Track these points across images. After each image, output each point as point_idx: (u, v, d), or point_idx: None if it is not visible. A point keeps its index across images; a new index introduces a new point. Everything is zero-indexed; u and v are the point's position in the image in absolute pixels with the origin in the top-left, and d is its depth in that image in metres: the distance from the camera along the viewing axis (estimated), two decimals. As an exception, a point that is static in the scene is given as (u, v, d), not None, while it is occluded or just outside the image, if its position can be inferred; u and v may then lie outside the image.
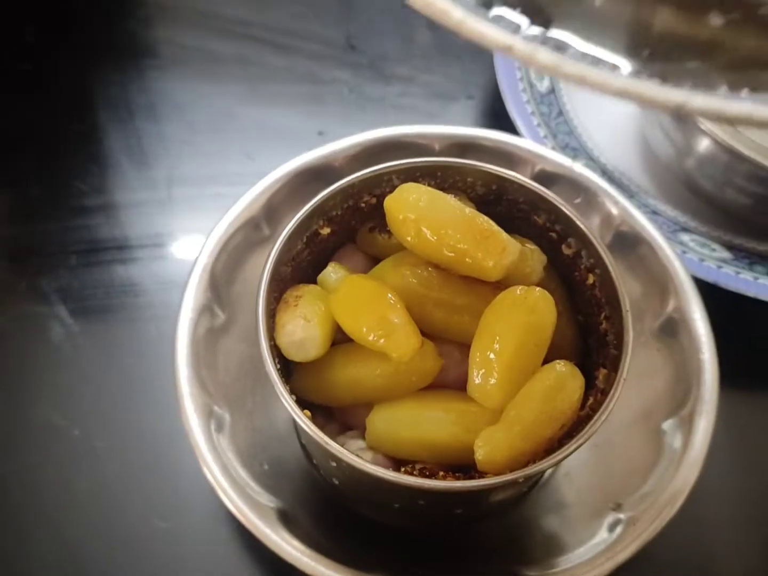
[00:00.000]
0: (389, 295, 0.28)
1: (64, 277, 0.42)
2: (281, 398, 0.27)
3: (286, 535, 0.31)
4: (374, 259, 0.33)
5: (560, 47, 0.16)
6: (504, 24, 0.16)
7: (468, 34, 0.14)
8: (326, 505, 0.33)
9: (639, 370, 0.31)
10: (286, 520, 0.31)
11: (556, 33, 0.16)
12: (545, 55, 0.14)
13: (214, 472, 0.31)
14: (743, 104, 0.13)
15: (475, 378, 0.27)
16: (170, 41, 0.48)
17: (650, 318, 0.36)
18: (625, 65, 0.16)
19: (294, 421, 0.34)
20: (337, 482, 0.32)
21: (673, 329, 0.35)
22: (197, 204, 0.44)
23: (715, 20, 0.17)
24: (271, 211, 0.37)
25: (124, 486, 0.36)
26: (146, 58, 0.48)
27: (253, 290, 0.30)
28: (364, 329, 0.27)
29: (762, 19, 0.17)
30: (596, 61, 0.15)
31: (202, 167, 0.45)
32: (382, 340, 0.27)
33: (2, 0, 0.49)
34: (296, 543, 0.30)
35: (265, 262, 0.29)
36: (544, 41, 0.16)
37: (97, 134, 0.46)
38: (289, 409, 0.27)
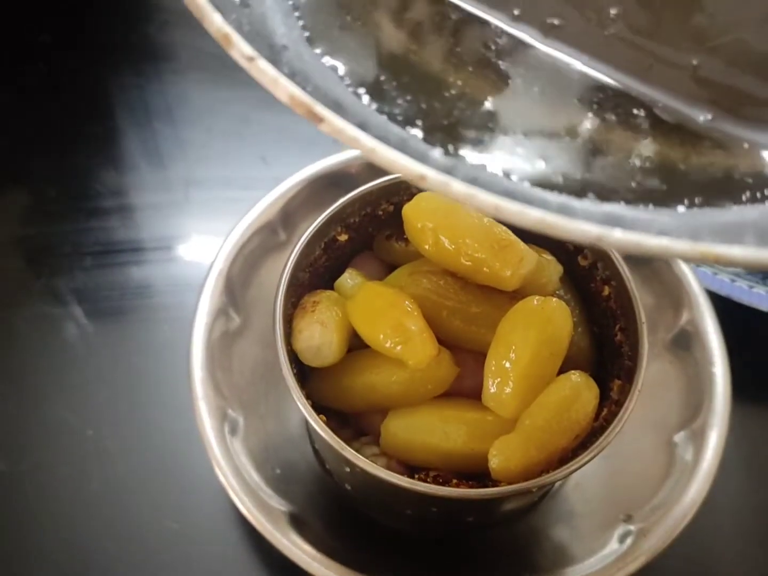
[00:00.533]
0: (406, 303, 0.28)
1: (79, 277, 0.42)
2: (298, 403, 0.27)
3: (297, 539, 0.31)
4: (390, 266, 0.33)
5: (469, 173, 0.16)
6: (414, 147, 0.16)
7: (380, 162, 0.14)
8: (337, 510, 0.34)
9: (651, 382, 0.31)
10: (298, 524, 0.31)
11: (464, 152, 0.17)
12: (458, 186, 0.14)
13: (227, 475, 0.31)
14: (661, 240, 0.13)
15: (491, 387, 0.27)
16: (189, 46, 0.49)
17: (663, 330, 0.36)
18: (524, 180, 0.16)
19: (307, 426, 0.35)
20: (349, 487, 0.32)
21: (686, 342, 0.35)
22: (212, 207, 0.44)
23: (591, 123, 0.18)
24: (288, 216, 0.38)
25: (136, 486, 0.36)
26: (165, 62, 0.48)
27: (268, 294, 0.30)
28: (381, 336, 0.27)
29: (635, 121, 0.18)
30: (509, 191, 0.15)
31: (218, 171, 0.45)
32: (398, 347, 0.27)
33: (20, 2, 0.50)
34: (307, 547, 0.31)
35: (284, 268, 0.30)
36: (456, 165, 0.16)
37: (114, 136, 0.46)
38: (306, 414, 0.27)
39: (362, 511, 0.33)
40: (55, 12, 0.50)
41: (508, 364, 0.27)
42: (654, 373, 0.34)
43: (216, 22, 0.14)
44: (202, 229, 0.44)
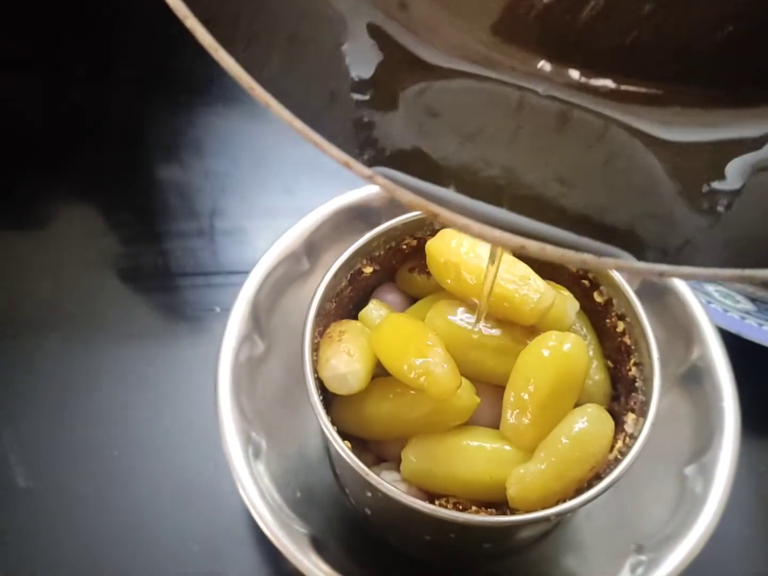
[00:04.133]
0: (430, 335, 0.29)
1: (107, 300, 0.43)
2: (325, 430, 0.28)
3: (318, 561, 0.32)
4: (411, 298, 0.34)
5: None
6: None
7: (487, 240, 0.15)
8: (356, 534, 0.34)
9: (663, 415, 0.32)
10: (318, 546, 0.32)
11: None
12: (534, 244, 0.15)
13: (251, 497, 0.32)
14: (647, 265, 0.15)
15: (509, 417, 0.29)
16: (219, 80, 0.51)
17: (675, 364, 0.37)
18: None
19: (327, 451, 0.36)
20: (369, 512, 0.33)
21: (697, 377, 0.36)
22: (237, 236, 0.45)
23: None
24: (312, 246, 0.39)
25: (160, 508, 0.37)
26: (196, 95, 0.50)
27: (291, 321, 0.31)
28: (405, 367, 0.28)
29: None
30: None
31: (243, 201, 0.47)
32: (422, 378, 0.28)
33: (54, 34, 0.52)
34: (327, 569, 0.32)
35: (312, 298, 0.31)
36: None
37: (144, 165, 0.48)
38: (333, 441, 0.28)
39: (380, 537, 0.34)
40: (88, 44, 0.52)
41: (526, 396, 0.28)
42: (666, 406, 0.35)
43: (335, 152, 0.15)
44: (226, 256, 0.45)
